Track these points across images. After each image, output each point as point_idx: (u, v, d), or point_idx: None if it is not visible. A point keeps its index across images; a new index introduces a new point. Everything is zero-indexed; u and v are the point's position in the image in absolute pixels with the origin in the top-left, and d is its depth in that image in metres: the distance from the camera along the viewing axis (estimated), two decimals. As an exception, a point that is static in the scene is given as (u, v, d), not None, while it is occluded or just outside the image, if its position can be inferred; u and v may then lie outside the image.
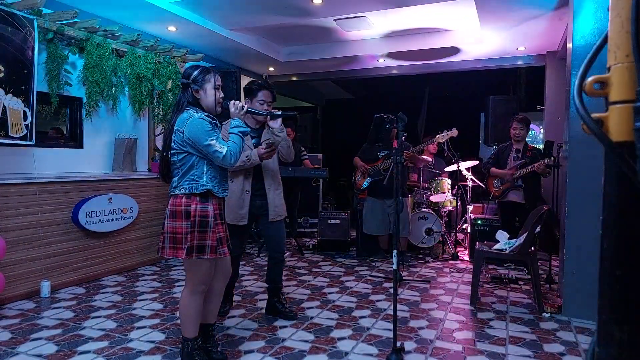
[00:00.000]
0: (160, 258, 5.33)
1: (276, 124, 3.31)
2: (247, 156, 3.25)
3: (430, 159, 6.43)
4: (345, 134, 10.78)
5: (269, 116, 3.28)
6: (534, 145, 5.33)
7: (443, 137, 5.10)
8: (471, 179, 6.08)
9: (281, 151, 3.43)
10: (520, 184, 5.03)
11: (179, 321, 3.42)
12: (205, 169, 2.49)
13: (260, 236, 6.00)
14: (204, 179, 2.47)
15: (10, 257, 3.78)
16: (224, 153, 2.43)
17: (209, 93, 2.56)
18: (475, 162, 6.14)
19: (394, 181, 2.92)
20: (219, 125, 2.59)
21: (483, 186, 5.69)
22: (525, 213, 4.93)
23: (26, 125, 3.99)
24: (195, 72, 2.55)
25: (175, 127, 2.49)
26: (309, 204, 7.15)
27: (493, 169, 5.24)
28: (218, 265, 2.66)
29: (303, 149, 6.81)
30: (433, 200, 6.08)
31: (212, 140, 2.42)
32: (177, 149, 2.49)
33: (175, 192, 2.50)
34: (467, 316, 3.66)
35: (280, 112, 3.31)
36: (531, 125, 8.35)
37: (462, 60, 7.18)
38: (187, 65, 5.80)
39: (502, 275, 4.70)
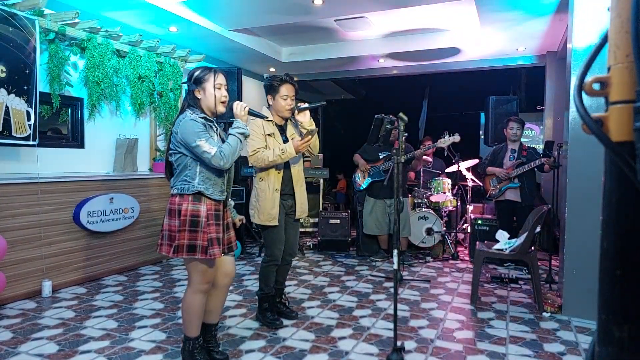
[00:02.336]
0: (161, 258, 5.34)
1: (304, 117, 3.27)
2: (281, 149, 3.16)
3: (430, 159, 6.43)
4: (346, 134, 10.79)
5: (296, 110, 3.25)
6: (528, 145, 5.37)
7: (445, 141, 5.08)
8: (471, 179, 6.09)
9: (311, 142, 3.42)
10: (517, 183, 5.07)
11: (180, 320, 3.42)
12: (198, 170, 2.49)
13: (260, 236, 6.00)
14: (197, 180, 2.48)
15: (11, 256, 3.79)
16: (213, 154, 2.41)
17: (209, 92, 2.55)
18: (476, 161, 6.15)
19: (394, 181, 2.92)
20: (214, 127, 2.57)
21: (481, 184, 5.70)
22: (522, 211, 4.96)
23: (30, 125, 4.00)
24: (196, 73, 2.56)
25: (173, 129, 2.53)
26: (309, 204, 7.14)
27: (490, 168, 5.27)
28: (220, 265, 2.67)
29: None
30: (433, 200, 6.09)
31: (201, 141, 2.41)
32: (173, 150, 2.53)
33: (172, 192, 2.54)
34: (467, 316, 3.67)
35: (307, 105, 3.27)
36: (531, 125, 8.39)
37: (463, 60, 7.18)
38: (187, 65, 5.84)
39: (502, 275, 4.71)
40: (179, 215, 2.46)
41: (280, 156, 3.17)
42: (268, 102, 3.37)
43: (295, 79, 3.41)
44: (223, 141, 2.61)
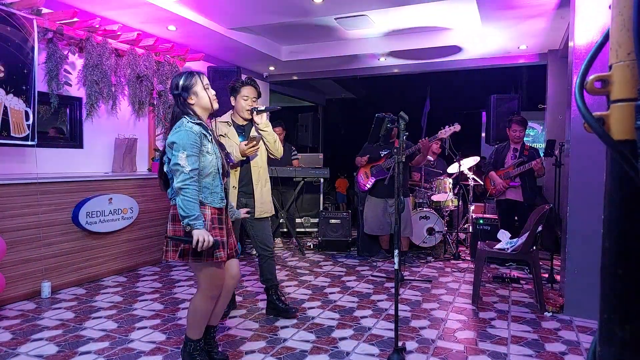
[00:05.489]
0: (160, 258, 5.33)
1: (261, 119, 3.40)
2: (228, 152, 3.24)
3: (432, 158, 6.41)
4: (346, 133, 10.78)
5: (254, 112, 3.37)
6: (530, 144, 5.39)
7: (446, 132, 5.02)
8: (472, 178, 6.07)
9: (267, 146, 3.49)
10: (518, 182, 5.07)
11: (180, 321, 3.42)
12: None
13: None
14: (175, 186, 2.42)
15: (10, 257, 3.78)
16: (186, 171, 2.32)
17: (201, 95, 2.55)
18: (477, 158, 6.14)
19: (395, 181, 2.90)
20: (208, 135, 2.51)
21: (482, 183, 5.70)
22: (523, 211, 4.96)
23: (28, 126, 4.00)
24: (181, 80, 2.53)
25: (168, 136, 2.49)
26: (310, 204, 7.13)
27: (492, 173, 5.29)
28: (226, 268, 2.65)
29: (294, 149, 6.83)
30: (434, 200, 6.07)
31: (183, 153, 2.34)
32: (167, 160, 2.49)
33: (171, 202, 2.52)
34: (468, 316, 3.65)
35: (263, 107, 3.41)
36: (533, 124, 8.37)
37: (464, 59, 7.17)
38: (186, 64, 5.84)
39: (504, 275, 4.69)
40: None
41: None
42: (231, 103, 3.50)
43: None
44: (220, 145, 2.63)
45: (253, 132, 3.47)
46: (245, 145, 3.27)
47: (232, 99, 3.47)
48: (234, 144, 3.35)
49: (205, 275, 2.50)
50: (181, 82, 2.53)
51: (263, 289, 3.70)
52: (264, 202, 3.50)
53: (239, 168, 3.42)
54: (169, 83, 5.46)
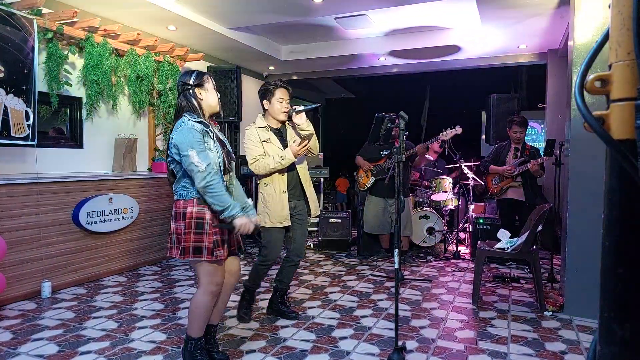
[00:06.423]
0: (160, 258, 5.33)
1: (301, 119, 3.33)
2: (280, 157, 3.22)
3: (432, 158, 6.41)
4: (346, 133, 10.77)
5: (293, 113, 3.31)
6: (531, 144, 5.39)
7: (447, 134, 5.04)
8: (472, 178, 6.07)
9: (309, 145, 3.43)
10: (520, 181, 5.07)
11: (180, 321, 3.42)
12: None
13: (260, 236, 5.99)
14: (195, 186, 2.45)
15: (11, 257, 3.78)
16: (201, 169, 2.36)
17: (211, 92, 2.60)
18: (477, 163, 6.15)
19: (395, 180, 2.91)
20: (211, 131, 2.54)
21: (483, 184, 5.70)
22: (524, 210, 4.96)
23: (28, 126, 4.00)
24: (194, 75, 2.58)
25: (170, 135, 2.51)
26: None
27: (492, 167, 5.27)
28: (226, 264, 2.66)
29: None
30: (434, 199, 6.07)
31: (193, 151, 2.37)
32: (171, 157, 2.51)
33: (174, 197, 2.55)
34: (469, 315, 3.65)
35: (302, 107, 3.34)
36: (533, 124, 8.36)
37: (464, 58, 7.17)
38: (186, 64, 5.84)
39: (504, 274, 4.69)
40: (184, 218, 2.46)
41: (280, 163, 3.23)
42: (263, 107, 3.42)
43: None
44: (220, 142, 2.61)
45: (290, 134, 3.43)
46: (297, 146, 3.23)
47: (265, 102, 3.37)
48: (277, 149, 3.29)
49: (205, 271, 2.52)
50: (193, 77, 2.57)
51: (266, 288, 3.70)
52: (314, 201, 3.52)
53: (286, 172, 3.36)
54: (176, 80, 5.50)
